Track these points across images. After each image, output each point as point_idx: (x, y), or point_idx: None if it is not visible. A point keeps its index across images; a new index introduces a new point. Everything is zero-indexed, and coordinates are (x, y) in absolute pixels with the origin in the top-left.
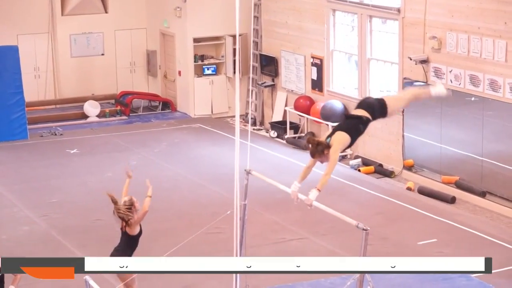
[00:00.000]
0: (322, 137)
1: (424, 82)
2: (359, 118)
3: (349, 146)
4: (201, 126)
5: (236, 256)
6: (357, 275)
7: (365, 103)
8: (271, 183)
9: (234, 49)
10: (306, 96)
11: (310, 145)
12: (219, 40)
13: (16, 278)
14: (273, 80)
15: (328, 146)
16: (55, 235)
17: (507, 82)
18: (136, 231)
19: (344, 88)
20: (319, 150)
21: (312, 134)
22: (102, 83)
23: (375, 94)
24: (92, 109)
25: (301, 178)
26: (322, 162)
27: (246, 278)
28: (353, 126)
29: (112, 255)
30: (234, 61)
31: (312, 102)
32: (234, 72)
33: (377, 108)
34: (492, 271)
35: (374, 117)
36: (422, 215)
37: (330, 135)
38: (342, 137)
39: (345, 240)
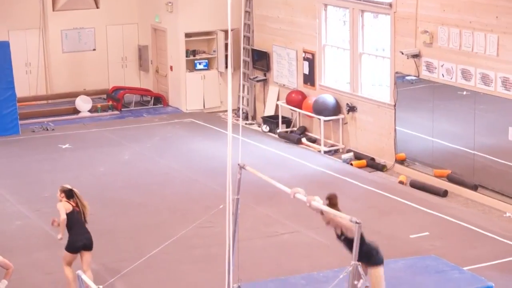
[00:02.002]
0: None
1: (416, 76)
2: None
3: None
4: (193, 121)
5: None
6: (350, 268)
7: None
8: (265, 179)
9: (226, 44)
10: (298, 90)
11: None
12: (211, 35)
13: (8, 272)
14: (265, 75)
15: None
16: (48, 229)
17: (499, 76)
18: None
19: (336, 82)
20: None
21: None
22: (94, 78)
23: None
24: (84, 104)
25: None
26: (328, 224)
27: (239, 272)
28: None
29: None
30: (226, 56)
31: (304, 96)
32: (226, 67)
33: (378, 257)
34: (484, 264)
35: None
36: (414, 208)
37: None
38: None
39: None
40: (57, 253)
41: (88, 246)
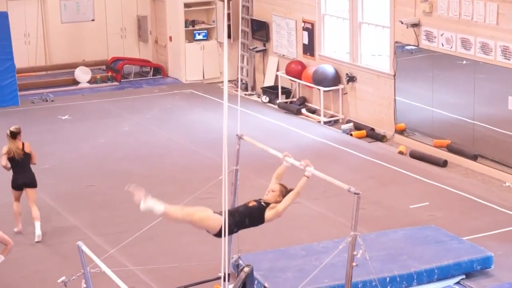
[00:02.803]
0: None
1: (416, 46)
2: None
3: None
4: (193, 92)
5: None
6: (349, 238)
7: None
8: (263, 148)
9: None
10: (297, 60)
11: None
12: (210, 5)
13: (6, 248)
14: (264, 45)
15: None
16: (48, 201)
17: (499, 45)
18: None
19: (335, 52)
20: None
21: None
22: (93, 49)
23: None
24: (83, 75)
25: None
26: (249, 203)
27: (239, 243)
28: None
29: None
30: (228, 25)
31: (303, 66)
32: (229, 37)
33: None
34: (484, 234)
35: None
36: (414, 178)
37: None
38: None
39: (337, 204)
40: (57, 225)
41: (29, 184)
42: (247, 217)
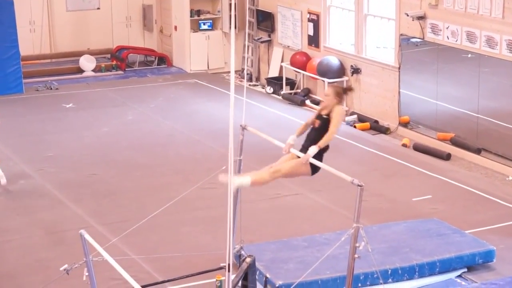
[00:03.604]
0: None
1: (421, 39)
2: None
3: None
4: (197, 82)
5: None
6: (352, 230)
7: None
8: (267, 139)
9: (231, 4)
10: (302, 52)
11: (347, 89)
12: None
13: None
14: (269, 36)
15: (342, 98)
16: (51, 189)
17: (504, 38)
18: None
19: (340, 44)
20: (338, 91)
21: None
22: (98, 37)
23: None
24: (87, 63)
25: (298, 132)
26: (326, 97)
27: (241, 234)
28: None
29: None
30: (231, 16)
31: (308, 58)
32: (236, 28)
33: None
34: (486, 228)
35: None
36: (417, 171)
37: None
38: (339, 110)
39: (340, 196)
40: (60, 213)
41: None
42: (318, 135)
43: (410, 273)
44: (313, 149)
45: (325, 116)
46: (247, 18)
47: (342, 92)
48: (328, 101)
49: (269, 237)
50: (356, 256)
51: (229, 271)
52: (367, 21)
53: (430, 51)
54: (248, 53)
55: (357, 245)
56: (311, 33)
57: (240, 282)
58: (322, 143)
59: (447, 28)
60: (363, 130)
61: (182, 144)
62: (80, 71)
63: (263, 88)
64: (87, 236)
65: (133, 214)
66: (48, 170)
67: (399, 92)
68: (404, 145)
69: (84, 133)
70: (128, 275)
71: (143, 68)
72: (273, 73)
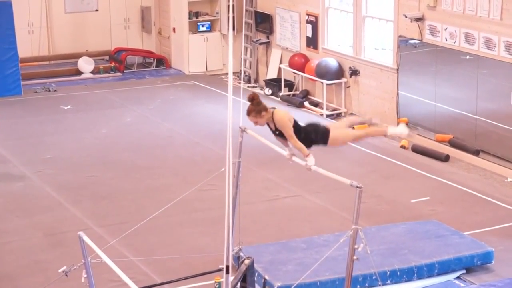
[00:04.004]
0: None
1: (419, 40)
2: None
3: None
4: (196, 83)
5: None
6: (351, 232)
7: (312, 126)
8: (265, 141)
9: (229, 6)
10: (300, 53)
11: (252, 102)
12: None
13: None
14: (267, 38)
15: (265, 109)
16: (50, 191)
17: (502, 40)
18: None
19: (339, 46)
20: (257, 110)
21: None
22: (96, 39)
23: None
24: (86, 65)
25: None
26: (255, 124)
27: (240, 235)
28: (309, 127)
29: None
30: (229, 18)
31: (307, 59)
32: (234, 29)
33: (320, 134)
34: (485, 229)
35: (313, 140)
36: (415, 173)
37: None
38: (284, 113)
39: (338, 197)
40: (59, 215)
41: None
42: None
43: (408, 274)
44: (310, 161)
45: (277, 132)
46: (246, 19)
47: (256, 105)
48: (261, 122)
49: (268, 239)
50: (355, 257)
51: (227, 273)
52: (365, 23)
53: (429, 53)
54: (246, 54)
55: (356, 246)
56: (309, 34)
57: (239, 284)
58: (304, 151)
59: (446, 29)
60: None
61: (181, 145)
62: (79, 73)
63: (262, 89)
64: (86, 238)
65: (132, 215)
66: (47, 172)
67: (397, 94)
68: (403, 147)
69: (83, 135)
70: (126, 277)
71: (141, 70)
72: (272, 74)
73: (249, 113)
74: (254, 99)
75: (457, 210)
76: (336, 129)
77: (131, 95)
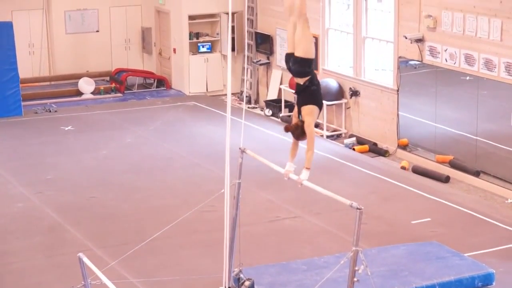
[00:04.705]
0: (295, 119)
1: (419, 61)
2: (305, 86)
3: (320, 107)
4: (196, 104)
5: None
6: (351, 254)
7: (294, 72)
8: (265, 162)
9: (230, 27)
10: None
11: (291, 133)
12: (215, 18)
13: None
14: (268, 58)
15: (301, 129)
16: (50, 212)
17: (502, 61)
18: None
19: (339, 66)
20: (299, 133)
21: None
22: (97, 60)
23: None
24: (86, 86)
25: (291, 156)
26: (303, 140)
27: (240, 257)
28: (310, 94)
29: None
30: (229, 38)
31: None
32: (233, 50)
33: (300, 66)
34: (486, 251)
35: (309, 71)
36: (416, 194)
37: (299, 114)
38: (310, 110)
39: (339, 219)
40: (58, 236)
41: None
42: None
43: None
44: (305, 175)
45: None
46: (246, 40)
47: (295, 130)
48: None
49: (268, 260)
50: (355, 279)
51: None
52: (365, 44)
53: (429, 74)
54: (247, 75)
55: (356, 268)
56: None
57: None
58: (309, 157)
59: (446, 50)
60: (362, 152)
61: (181, 167)
62: (79, 93)
63: (262, 110)
64: (86, 260)
65: (132, 237)
66: (47, 193)
67: (397, 115)
68: (403, 168)
69: (83, 155)
70: None
71: (142, 91)
72: (272, 95)
73: (298, 138)
74: (289, 129)
75: (458, 231)
76: (297, 45)
77: (132, 116)
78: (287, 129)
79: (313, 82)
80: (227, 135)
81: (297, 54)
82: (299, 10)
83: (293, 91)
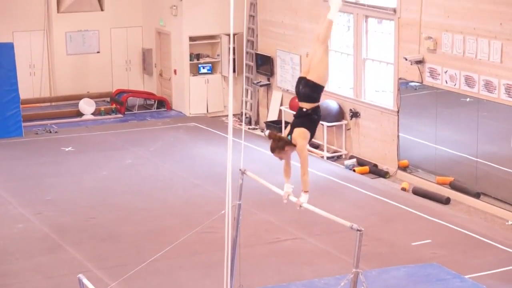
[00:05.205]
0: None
1: (420, 83)
2: (308, 113)
3: (311, 138)
4: (196, 125)
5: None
6: (351, 275)
7: (299, 94)
8: (265, 183)
9: (230, 48)
10: None
11: (271, 140)
12: (215, 39)
13: None
14: (268, 80)
15: (289, 143)
16: (49, 233)
17: (502, 83)
18: None
19: (339, 88)
20: (279, 145)
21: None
22: (98, 81)
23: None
24: (87, 107)
25: (286, 177)
26: (281, 159)
27: (241, 278)
28: (307, 119)
29: None
30: (230, 60)
31: None
32: (234, 71)
33: (309, 91)
34: (486, 272)
35: (316, 99)
36: (416, 215)
37: (290, 133)
38: (301, 132)
39: (339, 240)
40: (59, 257)
41: None
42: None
43: None
44: (304, 198)
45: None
46: (246, 62)
47: (277, 142)
48: (286, 157)
49: (268, 282)
50: None
51: None
52: (366, 65)
53: (429, 95)
54: (247, 96)
55: None
56: None
57: None
58: (305, 184)
59: (446, 72)
60: (362, 174)
61: (181, 187)
62: (80, 114)
63: (262, 131)
64: (86, 281)
65: (132, 258)
66: (47, 213)
67: (398, 136)
68: (403, 189)
69: (83, 176)
70: None
71: (142, 112)
72: (272, 116)
73: (273, 150)
74: (272, 137)
75: (458, 253)
76: (311, 69)
77: (132, 137)
78: (270, 136)
79: (317, 112)
80: (228, 156)
81: (310, 77)
82: (323, 37)
83: (294, 113)
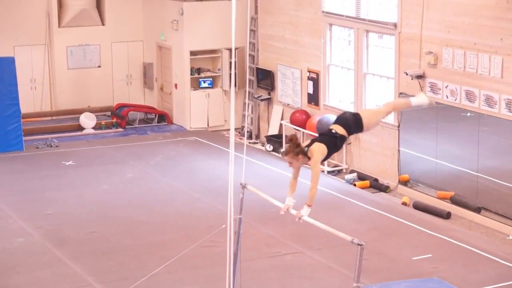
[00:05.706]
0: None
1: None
2: (335, 135)
3: (325, 159)
4: (197, 139)
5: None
6: None
7: (341, 119)
8: (266, 197)
9: (231, 63)
10: (302, 110)
11: (290, 142)
12: (216, 53)
13: None
14: (269, 94)
15: (303, 152)
16: (50, 247)
17: (503, 98)
18: None
19: (340, 102)
20: (295, 151)
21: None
22: (98, 95)
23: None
24: (88, 121)
25: (290, 191)
26: (290, 165)
27: None
28: (331, 140)
29: None
30: (231, 74)
31: (308, 116)
32: (236, 86)
33: (352, 124)
34: (487, 287)
35: (350, 132)
36: (417, 230)
37: (308, 145)
38: (320, 147)
39: (340, 254)
40: (59, 271)
41: None
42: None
43: None
44: (305, 211)
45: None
46: (247, 76)
47: (295, 147)
48: (296, 165)
49: None
50: None
51: None
52: (366, 80)
53: (430, 110)
54: (248, 111)
55: None
56: (310, 91)
57: None
58: (312, 194)
59: (446, 87)
60: (363, 188)
61: (182, 201)
62: (81, 128)
63: (263, 145)
64: None
65: (132, 272)
66: (47, 227)
67: (398, 151)
68: (404, 204)
69: (84, 190)
70: None
71: (143, 126)
72: (273, 131)
73: (287, 153)
74: (292, 140)
75: (459, 268)
76: (365, 112)
77: (133, 151)
78: (291, 139)
79: (342, 141)
80: (230, 171)
81: (362, 115)
82: (392, 109)
83: (295, 127)
